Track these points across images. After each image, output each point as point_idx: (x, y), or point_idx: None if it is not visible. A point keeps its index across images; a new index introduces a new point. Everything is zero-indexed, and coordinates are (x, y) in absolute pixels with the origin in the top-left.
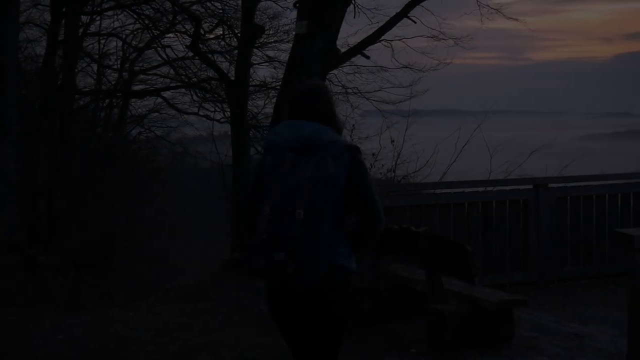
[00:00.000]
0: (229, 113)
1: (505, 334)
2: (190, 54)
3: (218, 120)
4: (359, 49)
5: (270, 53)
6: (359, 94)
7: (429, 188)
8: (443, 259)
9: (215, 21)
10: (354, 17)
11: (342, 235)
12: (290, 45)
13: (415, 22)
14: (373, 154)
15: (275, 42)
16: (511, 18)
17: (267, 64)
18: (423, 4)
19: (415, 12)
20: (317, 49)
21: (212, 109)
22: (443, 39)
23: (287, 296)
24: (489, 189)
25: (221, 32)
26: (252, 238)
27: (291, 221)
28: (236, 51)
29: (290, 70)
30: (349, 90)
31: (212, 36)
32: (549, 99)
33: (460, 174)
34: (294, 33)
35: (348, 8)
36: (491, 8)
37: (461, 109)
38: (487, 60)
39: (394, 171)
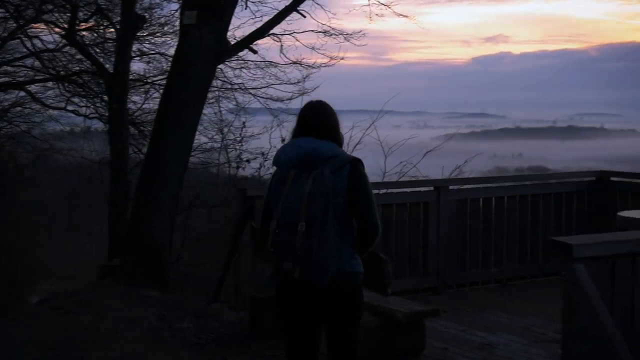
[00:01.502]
0: (100, 108)
1: (416, 346)
2: (60, 45)
3: (87, 116)
4: (246, 42)
5: (143, 47)
6: (246, 91)
7: None
8: None
9: (91, 10)
10: (245, 8)
11: (347, 241)
12: (165, 39)
13: (304, 17)
14: (262, 154)
15: (149, 35)
16: (401, 15)
17: (138, 58)
18: None
19: (305, 6)
20: (206, 41)
21: (83, 104)
22: (334, 35)
23: (298, 294)
24: (382, 191)
25: (95, 23)
26: (264, 249)
27: (294, 233)
28: (111, 43)
29: (177, 63)
30: (235, 86)
31: (85, 26)
32: (410, 99)
33: None
34: (169, 26)
35: None
36: (381, 3)
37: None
38: (350, 60)
39: None
